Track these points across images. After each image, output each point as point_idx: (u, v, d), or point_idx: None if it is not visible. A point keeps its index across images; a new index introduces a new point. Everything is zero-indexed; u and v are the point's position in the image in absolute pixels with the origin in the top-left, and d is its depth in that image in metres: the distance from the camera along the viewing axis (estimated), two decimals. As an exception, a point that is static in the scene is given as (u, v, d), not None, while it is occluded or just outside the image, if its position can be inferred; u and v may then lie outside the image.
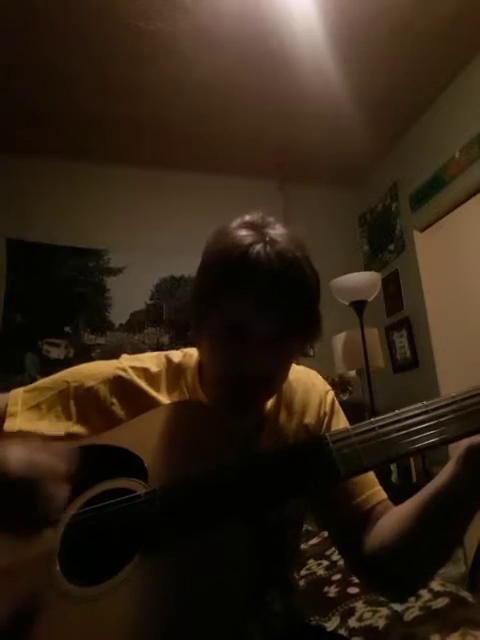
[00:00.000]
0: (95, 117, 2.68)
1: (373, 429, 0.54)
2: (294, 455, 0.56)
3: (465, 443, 0.54)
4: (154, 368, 0.70)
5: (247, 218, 0.63)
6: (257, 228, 0.60)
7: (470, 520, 0.58)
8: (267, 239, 0.59)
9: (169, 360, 0.72)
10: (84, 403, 0.67)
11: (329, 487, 0.58)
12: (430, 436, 0.52)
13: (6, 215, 2.84)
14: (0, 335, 2.71)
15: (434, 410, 0.53)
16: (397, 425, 0.54)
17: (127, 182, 3.12)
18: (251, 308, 0.58)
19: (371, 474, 0.72)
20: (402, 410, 0.55)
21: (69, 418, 0.66)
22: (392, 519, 0.64)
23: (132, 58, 2.33)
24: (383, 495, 0.71)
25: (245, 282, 0.57)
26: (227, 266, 0.58)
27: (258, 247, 0.57)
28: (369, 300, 2.52)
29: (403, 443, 0.53)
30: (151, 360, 0.72)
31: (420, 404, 0.54)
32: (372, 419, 0.55)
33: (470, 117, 2.46)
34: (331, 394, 0.78)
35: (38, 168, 2.95)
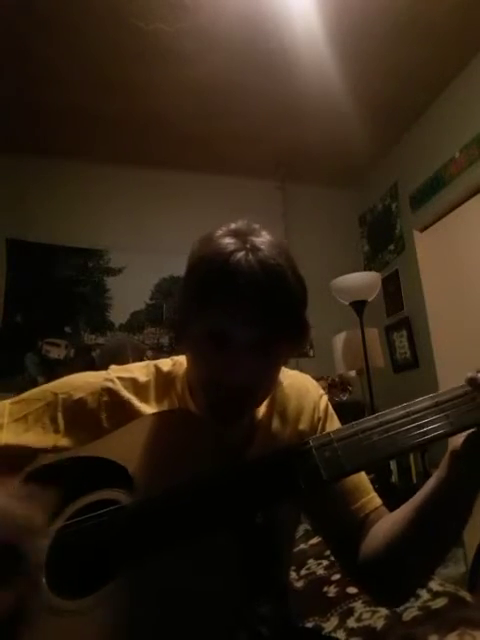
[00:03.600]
0: (95, 117, 2.68)
1: (355, 433, 0.54)
2: (277, 460, 0.56)
3: (449, 448, 0.54)
4: (142, 378, 0.70)
5: (232, 226, 0.62)
6: (241, 236, 0.60)
7: (462, 524, 0.58)
8: (248, 246, 0.58)
9: (158, 369, 0.72)
10: (72, 415, 0.66)
11: (314, 491, 0.58)
12: (411, 438, 0.52)
13: (6, 215, 2.84)
14: (0, 335, 2.72)
15: (414, 412, 0.54)
16: (378, 428, 0.54)
17: (127, 182, 3.12)
18: (231, 316, 0.58)
19: (366, 481, 0.72)
20: (383, 412, 0.55)
21: (56, 430, 0.65)
22: (386, 525, 0.64)
23: (132, 58, 2.33)
24: (378, 502, 0.71)
25: (225, 290, 0.57)
26: (208, 274, 0.58)
27: (239, 255, 0.57)
28: (369, 300, 2.52)
29: (385, 445, 0.53)
30: (140, 370, 0.71)
31: (401, 406, 0.55)
32: (354, 422, 0.56)
33: (470, 117, 2.46)
34: (325, 399, 0.77)
35: (38, 168, 2.95)
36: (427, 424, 0.52)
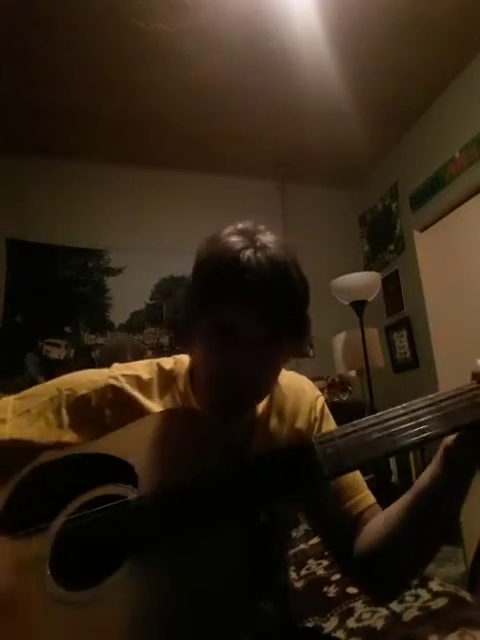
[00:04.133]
0: (95, 117, 2.68)
1: (356, 430, 0.56)
2: (280, 457, 0.58)
3: (442, 444, 0.56)
4: (146, 375, 0.71)
5: (239, 225, 0.65)
6: (248, 234, 0.62)
7: (453, 516, 0.61)
8: (257, 244, 0.61)
9: (160, 367, 0.73)
10: (76, 411, 0.67)
11: (315, 487, 0.60)
12: (409, 436, 0.54)
13: (6, 215, 2.84)
14: (0, 335, 2.72)
15: (413, 411, 0.56)
16: (378, 426, 0.56)
17: (127, 182, 3.12)
18: (241, 310, 0.60)
19: (360, 479, 0.73)
20: (384, 412, 0.57)
21: (60, 426, 0.66)
22: (379, 521, 0.66)
23: (132, 58, 2.33)
24: (372, 500, 0.72)
25: (235, 285, 0.59)
26: (218, 270, 0.60)
27: (248, 252, 0.59)
28: (369, 300, 2.52)
29: (384, 443, 0.55)
30: (143, 368, 0.72)
31: (400, 406, 0.57)
32: (355, 421, 0.58)
33: (470, 117, 2.46)
34: (321, 399, 0.79)
35: (38, 168, 2.95)
36: (425, 422, 0.55)
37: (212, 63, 2.37)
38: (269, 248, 0.61)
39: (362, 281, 2.51)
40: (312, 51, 2.30)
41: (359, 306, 2.50)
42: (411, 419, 0.55)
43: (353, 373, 2.75)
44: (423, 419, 0.55)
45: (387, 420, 0.56)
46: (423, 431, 0.54)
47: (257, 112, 2.73)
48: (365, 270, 3.27)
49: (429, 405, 0.56)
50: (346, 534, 0.69)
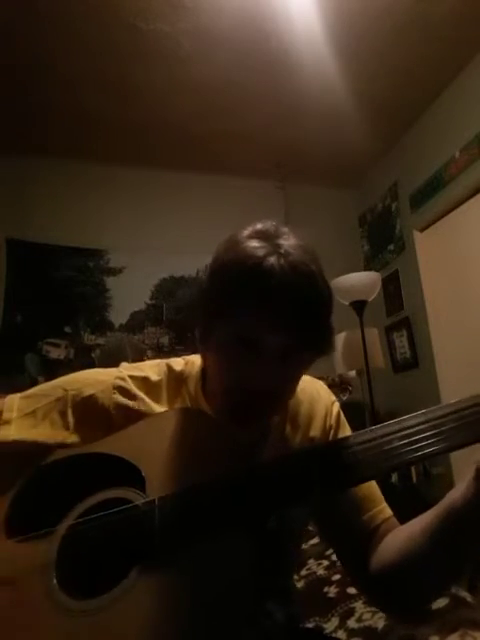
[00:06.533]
0: (95, 117, 2.68)
1: (374, 438, 0.53)
2: (295, 463, 0.55)
3: (475, 461, 0.51)
4: (154, 377, 0.69)
5: (259, 227, 0.61)
6: (270, 238, 0.58)
7: None
8: (281, 251, 0.57)
9: (170, 368, 0.70)
10: (82, 412, 0.65)
11: (330, 497, 0.57)
12: (430, 445, 0.51)
13: (6, 215, 2.84)
14: (0, 335, 2.72)
15: (435, 419, 0.52)
16: (398, 434, 0.52)
17: (127, 182, 3.12)
18: (264, 321, 0.56)
19: (377, 491, 0.70)
20: (403, 418, 0.54)
21: (66, 427, 0.64)
22: (400, 537, 0.62)
23: (132, 58, 2.32)
24: (389, 513, 0.69)
25: (258, 295, 0.55)
26: (240, 277, 0.56)
27: (272, 259, 0.55)
28: (369, 300, 2.52)
29: (404, 452, 0.51)
30: (151, 369, 0.70)
31: (420, 412, 0.53)
32: (373, 427, 0.54)
33: (470, 117, 2.46)
34: (337, 405, 0.76)
35: (38, 168, 2.94)
36: (448, 431, 0.51)
37: (212, 63, 2.37)
38: (292, 255, 0.56)
39: (362, 281, 2.51)
40: (312, 51, 2.30)
41: (359, 306, 2.50)
42: (433, 427, 0.51)
43: (353, 373, 2.74)
44: (445, 428, 0.51)
45: (408, 428, 0.52)
46: (445, 440, 0.50)
47: (257, 112, 2.73)
48: (365, 270, 3.27)
49: (451, 413, 0.51)
50: (361, 547, 0.65)
